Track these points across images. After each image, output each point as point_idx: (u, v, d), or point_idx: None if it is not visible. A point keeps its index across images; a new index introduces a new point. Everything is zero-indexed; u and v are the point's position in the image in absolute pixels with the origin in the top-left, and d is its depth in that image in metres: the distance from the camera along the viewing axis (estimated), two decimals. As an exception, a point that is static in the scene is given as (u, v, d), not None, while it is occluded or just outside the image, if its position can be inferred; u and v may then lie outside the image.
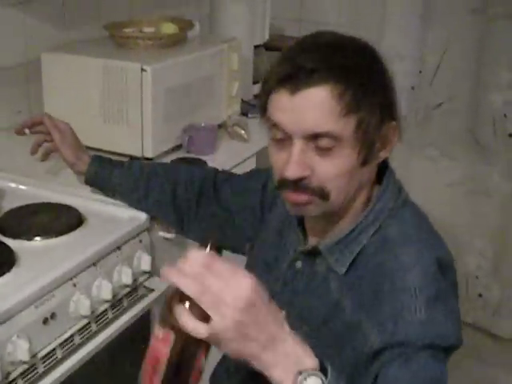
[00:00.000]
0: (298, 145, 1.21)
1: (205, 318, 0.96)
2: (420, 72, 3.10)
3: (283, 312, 1.06)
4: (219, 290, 0.97)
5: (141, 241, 1.77)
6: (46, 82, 2.18)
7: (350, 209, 1.31)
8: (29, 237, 1.65)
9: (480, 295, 3.19)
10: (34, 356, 1.44)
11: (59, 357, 1.53)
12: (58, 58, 2.17)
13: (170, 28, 2.31)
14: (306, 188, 1.23)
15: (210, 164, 2.03)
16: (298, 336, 1.05)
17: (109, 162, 1.83)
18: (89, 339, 1.60)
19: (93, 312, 1.58)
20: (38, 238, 1.65)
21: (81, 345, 1.57)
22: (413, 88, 3.13)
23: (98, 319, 1.63)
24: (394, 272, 1.23)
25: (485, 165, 3.03)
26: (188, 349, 0.99)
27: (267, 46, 2.94)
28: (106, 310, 1.64)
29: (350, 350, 1.23)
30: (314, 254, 1.35)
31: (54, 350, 1.51)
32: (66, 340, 1.54)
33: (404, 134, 3.10)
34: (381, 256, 1.26)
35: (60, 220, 1.73)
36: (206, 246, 1.01)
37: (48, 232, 1.67)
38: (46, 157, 1.92)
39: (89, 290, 1.58)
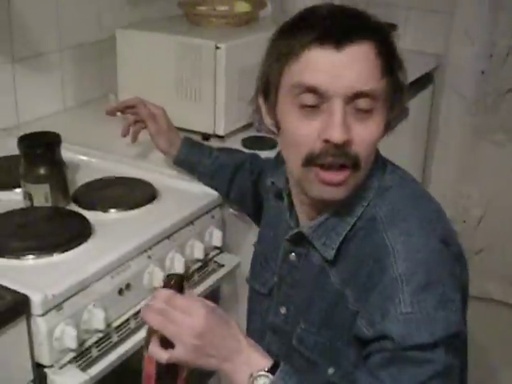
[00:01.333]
0: (339, 105, 1.15)
1: (172, 344, 1.16)
2: (491, 56, 3.06)
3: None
4: (179, 320, 1.14)
5: (213, 216, 1.79)
6: (120, 59, 2.21)
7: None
8: (104, 209, 1.68)
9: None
10: (108, 325, 1.47)
11: (132, 327, 1.55)
12: (133, 34, 2.19)
13: (242, 6, 2.32)
14: (347, 157, 1.18)
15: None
16: (256, 345, 1.19)
17: (198, 148, 1.84)
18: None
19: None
20: (113, 210, 1.68)
21: (153, 316, 1.60)
22: (483, 72, 3.09)
23: (171, 291, 1.65)
24: (382, 259, 1.19)
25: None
26: (169, 367, 1.18)
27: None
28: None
29: (355, 339, 1.22)
30: (301, 241, 1.32)
31: (127, 320, 1.54)
32: (139, 311, 1.55)
33: (472, 119, 3.09)
34: (371, 241, 1.23)
35: (134, 193, 1.75)
36: (170, 285, 1.20)
37: (123, 205, 1.69)
38: (136, 138, 1.95)
39: (162, 262, 1.61)
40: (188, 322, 1.14)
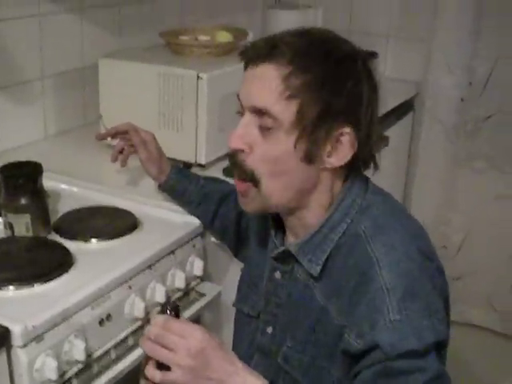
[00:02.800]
0: (245, 117, 1.26)
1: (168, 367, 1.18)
2: (470, 83, 3.10)
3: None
4: (174, 343, 1.15)
5: (194, 246, 1.79)
6: (102, 87, 2.22)
7: (312, 210, 1.31)
8: (85, 239, 1.68)
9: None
10: (89, 356, 1.46)
11: (113, 357, 1.55)
12: (115, 63, 2.20)
13: (224, 36, 2.34)
14: (241, 167, 1.27)
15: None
16: (250, 368, 1.20)
17: (186, 176, 1.85)
18: (142, 341, 1.62)
19: (147, 314, 1.60)
20: (94, 240, 1.68)
21: (134, 346, 1.59)
22: (462, 100, 3.12)
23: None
24: (367, 271, 1.21)
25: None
26: None
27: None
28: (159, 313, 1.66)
29: (340, 355, 1.24)
30: (286, 258, 1.35)
31: (108, 350, 1.53)
32: (120, 341, 1.56)
33: (452, 146, 3.12)
34: (355, 255, 1.25)
35: (116, 223, 1.76)
36: (165, 311, 1.23)
37: (104, 234, 1.70)
38: (125, 163, 1.95)
39: (143, 292, 1.61)
40: (183, 345, 1.15)
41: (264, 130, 1.24)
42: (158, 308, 1.62)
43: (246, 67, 1.28)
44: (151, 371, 1.18)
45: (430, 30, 3.11)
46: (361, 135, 1.25)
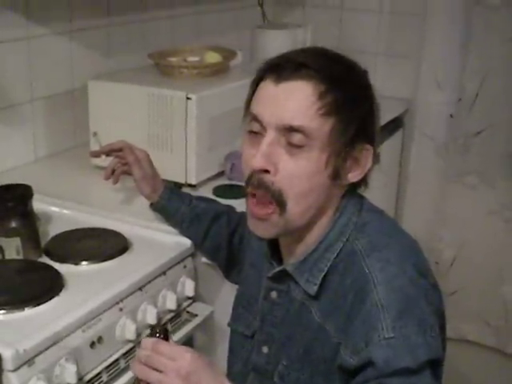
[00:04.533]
0: (269, 136, 1.23)
1: None
2: (459, 100, 3.11)
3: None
4: (164, 365, 1.13)
5: (185, 266, 1.79)
6: (92, 109, 2.22)
7: (315, 229, 1.31)
8: (76, 261, 1.67)
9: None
10: (80, 379, 1.46)
11: (105, 380, 1.54)
12: (105, 85, 2.21)
13: (213, 57, 2.34)
14: (267, 189, 1.24)
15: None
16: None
17: (178, 196, 1.84)
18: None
19: (138, 336, 1.60)
20: (84, 263, 1.68)
21: (126, 369, 1.59)
22: (452, 116, 3.14)
23: (143, 343, 1.65)
24: (361, 289, 1.22)
25: (526, 193, 3.03)
26: None
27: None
28: (150, 335, 1.65)
29: (338, 373, 1.24)
30: (283, 278, 1.35)
31: (99, 373, 1.53)
32: (111, 364, 1.56)
33: (443, 162, 3.12)
34: (351, 272, 1.25)
35: (106, 245, 1.76)
36: (155, 334, 1.22)
37: (95, 257, 1.69)
38: (118, 181, 1.94)
39: (134, 314, 1.60)
40: (173, 366, 1.14)
41: (293, 148, 1.22)
42: (148, 331, 1.61)
43: (262, 85, 1.27)
44: None
45: (419, 47, 3.13)
46: (374, 152, 1.28)
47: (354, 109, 1.24)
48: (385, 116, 2.99)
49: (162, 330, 1.23)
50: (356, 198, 1.34)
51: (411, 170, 3.28)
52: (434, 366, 1.18)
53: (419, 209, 3.26)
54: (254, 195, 1.27)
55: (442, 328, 1.27)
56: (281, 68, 1.23)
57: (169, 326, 1.68)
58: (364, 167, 1.28)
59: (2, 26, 2.13)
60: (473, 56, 3.04)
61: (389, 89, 3.24)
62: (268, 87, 1.25)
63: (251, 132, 1.28)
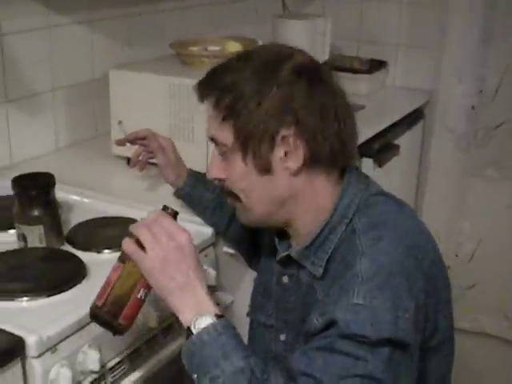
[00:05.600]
0: (212, 149, 1.37)
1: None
2: (480, 91, 3.09)
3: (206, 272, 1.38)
4: (159, 233, 1.24)
5: (206, 255, 1.79)
6: (113, 99, 2.22)
7: (303, 216, 1.35)
8: (98, 249, 1.68)
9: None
10: (103, 366, 1.47)
11: (127, 368, 1.55)
12: (126, 75, 2.21)
13: (234, 46, 2.34)
14: (223, 190, 1.40)
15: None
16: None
17: (203, 182, 1.84)
18: (156, 351, 1.62)
19: (161, 323, 1.60)
20: (107, 251, 1.68)
21: (148, 356, 1.60)
22: (473, 107, 3.12)
23: (165, 332, 1.65)
24: (348, 263, 1.24)
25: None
26: (130, 278, 1.28)
27: (327, 65, 2.95)
28: (173, 323, 1.66)
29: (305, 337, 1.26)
30: (290, 263, 1.38)
31: (122, 360, 1.54)
32: (133, 351, 1.56)
33: (463, 155, 3.11)
34: (348, 250, 1.28)
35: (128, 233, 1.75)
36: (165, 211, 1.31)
37: (116, 245, 1.66)
38: (143, 168, 1.98)
39: (157, 302, 1.59)
40: (164, 240, 1.23)
41: (222, 155, 1.34)
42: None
43: None
44: (127, 241, 1.27)
45: (440, 39, 3.11)
46: (307, 132, 1.27)
47: (248, 103, 1.27)
48: (405, 107, 3.02)
49: (172, 211, 1.32)
50: (358, 181, 1.36)
51: (431, 162, 3.26)
52: (398, 349, 1.16)
53: (439, 201, 3.24)
54: None
55: (426, 320, 1.26)
56: (199, 93, 1.35)
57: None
58: (296, 152, 1.28)
59: (23, 15, 2.14)
60: (494, 48, 3.02)
61: (410, 80, 3.23)
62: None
63: None
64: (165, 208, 1.33)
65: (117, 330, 1.30)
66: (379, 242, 1.24)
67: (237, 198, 1.36)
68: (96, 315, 1.29)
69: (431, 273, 1.29)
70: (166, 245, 1.23)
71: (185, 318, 1.22)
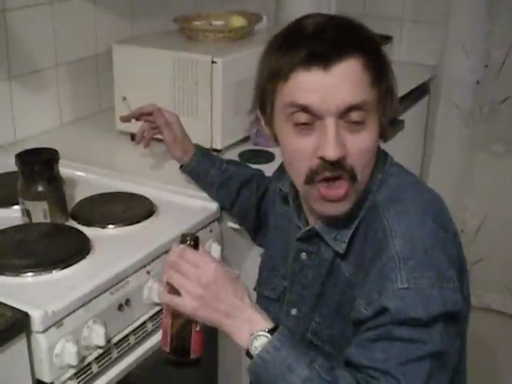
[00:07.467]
0: (332, 123, 1.19)
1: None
2: (486, 66, 3.07)
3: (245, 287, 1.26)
4: (187, 272, 1.22)
5: (211, 230, 1.79)
6: (116, 74, 2.21)
7: None
8: (102, 225, 1.68)
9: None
10: (108, 341, 1.47)
11: (132, 343, 1.55)
12: (129, 49, 2.19)
13: (238, 21, 2.32)
14: (343, 170, 1.21)
15: (277, 156, 2.04)
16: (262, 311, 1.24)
17: (209, 158, 1.83)
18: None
19: (165, 299, 1.60)
20: (111, 226, 1.68)
21: (153, 332, 1.60)
22: (478, 82, 3.10)
23: (170, 307, 1.65)
24: (380, 243, 1.22)
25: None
26: (182, 319, 1.26)
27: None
28: (178, 298, 1.65)
29: (355, 324, 1.24)
30: (312, 238, 1.36)
31: (127, 335, 1.54)
32: (139, 326, 1.57)
33: (468, 129, 3.10)
34: (373, 226, 1.26)
35: (132, 209, 1.76)
36: (185, 241, 1.27)
37: (121, 220, 1.69)
38: (148, 144, 1.95)
39: (162, 277, 1.60)
40: (195, 274, 1.21)
41: (354, 125, 1.20)
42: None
43: (301, 75, 1.19)
44: (161, 292, 1.27)
45: (445, 14, 3.08)
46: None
47: (386, 69, 1.25)
48: (410, 82, 3.01)
49: (191, 238, 1.28)
50: (381, 154, 1.34)
51: (437, 137, 3.25)
52: (450, 319, 1.17)
53: (444, 177, 3.24)
54: (326, 180, 1.23)
55: (462, 282, 1.24)
56: (322, 54, 1.18)
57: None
58: (394, 112, 1.30)
59: (26, -9, 2.12)
60: (500, 23, 3.00)
61: (415, 55, 3.22)
62: (312, 78, 1.18)
63: (297, 124, 1.22)
64: (184, 238, 1.28)
65: (193, 364, 1.31)
66: (406, 216, 1.23)
67: (352, 178, 1.23)
68: (169, 361, 1.31)
69: (457, 241, 1.28)
70: (198, 283, 1.21)
71: (241, 341, 1.21)
